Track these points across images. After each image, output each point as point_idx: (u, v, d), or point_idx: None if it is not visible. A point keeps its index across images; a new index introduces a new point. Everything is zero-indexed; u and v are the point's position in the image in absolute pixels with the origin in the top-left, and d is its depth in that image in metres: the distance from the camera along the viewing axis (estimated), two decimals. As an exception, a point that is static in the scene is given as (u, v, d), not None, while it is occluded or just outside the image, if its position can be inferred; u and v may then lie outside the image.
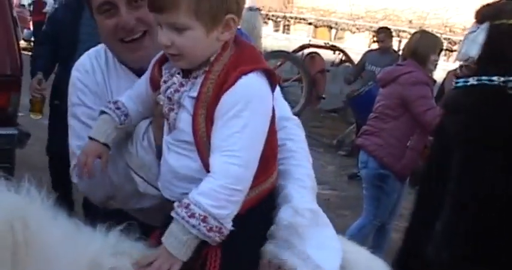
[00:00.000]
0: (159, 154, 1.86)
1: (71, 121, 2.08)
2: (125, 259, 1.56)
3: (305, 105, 12.80)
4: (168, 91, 1.74)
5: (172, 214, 1.62)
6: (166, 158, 1.78)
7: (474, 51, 3.30)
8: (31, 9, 18.89)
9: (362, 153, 5.02)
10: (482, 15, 3.36)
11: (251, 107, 1.66)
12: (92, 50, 2.15)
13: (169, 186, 1.78)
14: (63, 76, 4.60)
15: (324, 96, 12.85)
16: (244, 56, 1.74)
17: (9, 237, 1.31)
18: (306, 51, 13.50)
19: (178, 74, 1.74)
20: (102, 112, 1.90)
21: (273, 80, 1.76)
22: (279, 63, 13.24)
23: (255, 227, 1.78)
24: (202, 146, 1.69)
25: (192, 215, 1.59)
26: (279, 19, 20.55)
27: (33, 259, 1.35)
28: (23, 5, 21.34)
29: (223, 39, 1.70)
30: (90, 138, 1.87)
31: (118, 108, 1.88)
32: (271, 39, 17.38)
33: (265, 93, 1.73)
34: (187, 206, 1.60)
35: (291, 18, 20.35)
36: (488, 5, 3.43)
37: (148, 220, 1.92)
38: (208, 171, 1.67)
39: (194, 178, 1.70)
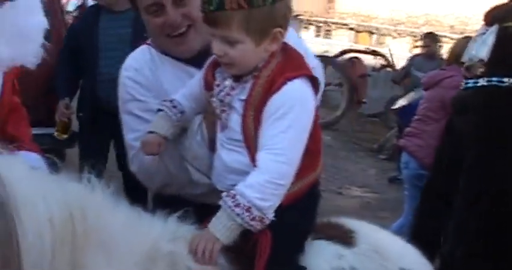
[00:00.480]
0: (210, 147, 2.01)
1: (124, 117, 2.24)
2: (182, 244, 1.70)
3: (346, 109, 12.87)
4: (221, 94, 1.89)
5: (220, 202, 1.76)
6: (220, 154, 1.93)
7: (484, 53, 3.37)
8: (76, 14, 19.27)
9: (404, 154, 5.12)
10: (491, 18, 3.43)
11: (295, 110, 1.80)
12: (135, 52, 2.32)
13: (222, 179, 1.93)
14: (87, 87, 4.87)
15: (364, 100, 12.89)
16: (290, 63, 1.88)
17: (68, 227, 1.42)
18: (347, 56, 13.58)
19: (230, 78, 1.89)
20: (159, 110, 2.05)
21: (315, 85, 1.90)
22: (320, 68, 13.33)
23: (302, 215, 1.92)
24: (251, 144, 1.84)
25: (238, 205, 1.73)
26: (320, 24, 20.59)
27: (92, 248, 1.46)
28: (68, 11, 21.76)
29: (271, 50, 1.85)
30: (150, 132, 2.02)
31: (174, 107, 2.04)
32: (312, 44, 17.45)
33: (307, 97, 1.87)
34: (233, 196, 1.74)
35: (332, 23, 20.38)
36: (497, 7, 3.49)
37: (201, 201, 2.09)
38: (255, 166, 1.81)
39: (243, 171, 1.84)
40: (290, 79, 1.82)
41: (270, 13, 1.80)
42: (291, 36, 2.00)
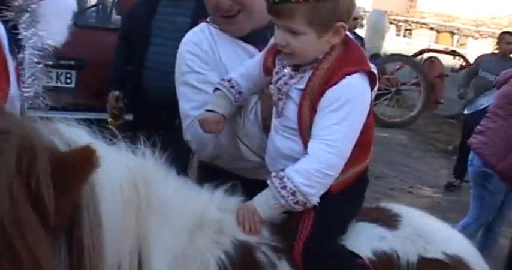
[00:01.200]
0: (263, 127, 2.12)
1: (182, 88, 2.37)
2: (228, 214, 1.82)
3: (422, 109, 12.73)
4: (279, 82, 1.96)
5: (268, 181, 1.86)
6: (274, 139, 2.02)
7: None
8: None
9: (471, 151, 5.08)
10: None
11: (350, 104, 1.87)
12: (195, 28, 2.46)
13: (274, 162, 2.02)
14: (133, 74, 4.65)
15: (441, 101, 12.70)
16: (350, 57, 1.94)
17: (134, 194, 1.54)
18: (426, 55, 13.41)
19: (289, 66, 1.96)
20: (217, 89, 2.16)
21: (373, 81, 1.96)
22: (397, 66, 13.22)
23: (348, 201, 1.98)
24: (305, 132, 1.92)
25: (284, 187, 1.83)
26: (400, 23, 20.37)
27: (153, 211, 1.59)
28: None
29: (333, 43, 1.91)
30: (208, 110, 2.13)
31: (232, 87, 2.14)
32: (392, 42, 17.30)
33: (364, 93, 1.93)
34: (281, 178, 1.84)
35: (413, 22, 20.13)
36: None
37: (247, 176, 2.21)
38: (306, 153, 1.89)
39: (295, 158, 1.93)
40: (349, 74, 1.88)
41: (334, 7, 1.85)
42: None
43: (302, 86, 1.92)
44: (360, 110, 1.91)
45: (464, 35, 18.27)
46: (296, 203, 1.83)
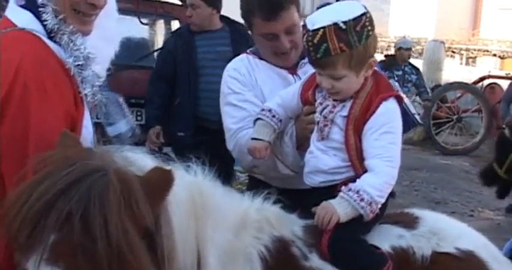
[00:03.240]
0: (296, 146, 2.52)
1: (225, 108, 2.83)
2: (265, 215, 2.21)
3: (485, 136, 12.77)
4: (324, 111, 2.36)
5: (342, 194, 2.20)
6: (316, 156, 2.38)
7: None
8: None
9: None
10: None
11: (396, 125, 2.28)
12: (235, 58, 2.94)
13: (312, 176, 2.41)
14: (186, 106, 4.97)
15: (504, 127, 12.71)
16: (381, 85, 2.35)
17: (192, 205, 1.96)
18: (486, 82, 13.48)
19: (330, 97, 2.37)
20: (259, 119, 2.56)
21: (400, 102, 2.36)
22: (458, 94, 13.35)
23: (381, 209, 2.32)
24: (351, 151, 2.30)
25: (362, 200, 2.18)
26: (462, 52, 20.40)
27: (207, 213, 2.00)
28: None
29: (367, 76, 2.32)
30: (254, 138, 2.53)
31: (274, 116, 2.54)
32: (453, 71, 17.39)
33: (399, 113, 2.34)
34: (357, 192, 2.19)
35: (475, 50, 20.13)
36: None
37: (279, 185, 2.63)
38: (352, 167, 2.29)
39: (333, 172, 2.32)
40: (385, 99, 2.29)
41: (365, 49, 2.25)
42: None
43: (345, 113, 2.31)
44: (400, 127, 2.32)
45: (528, 60, 18.18)
46: (371, 211, 2.20)
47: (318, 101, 2.41)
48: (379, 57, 11.41)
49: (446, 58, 19.79)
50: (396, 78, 8.89)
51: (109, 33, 2.32)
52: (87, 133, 2.15)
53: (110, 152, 1.84)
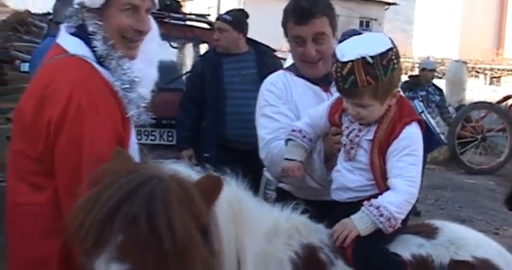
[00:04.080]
0: (324, 162, 2.71)
1: (260, 119, 3.02)
2: (295, 224, 2.40)
3: (510, 155, 12.82)
4: (350, 135, 2.54)
5: (363, 209, 2.37)
6: (344, 175, 2.55)
7: None
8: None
9: None
10: None
11: (417, 148, 2.46)
12: (274, 74, 3.15)
13: (340, 192, 2.58)
14: (213, 128, 5.13)
15: (529, 145, 12.74)
16: (404, 110, 2.52)
17: (231, 210, 2.15)
18: (511, 101, 13.56)
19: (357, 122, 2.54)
20: (290, 139, 2.73)
21: (422, 126, 2.53)
22: (483, 114, 13.42)
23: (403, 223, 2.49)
24: (376, 171, 2.48)
25: (381, 215, 2.36)
26: (486, 71, 20.46)
27: (243, 220, 2.19)
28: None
29: (391, 104, 2.50)
30: (288, 159, 2.70)
31: (304, 137, 2.71)
32: (478, 91, 17.46)
33: (420, 136, 2.51)
34: (377, 208, 2.37)
35: (499, 69, 20.17)
36: None
37: (306, 196, 2.80)
38: (377, 186, 2.47)
39: (359, 190, 2.50)
40: (408, 123, 2.47)
41: (390, 81, 2.41)
42: None
43: (370, 137, 2.49)
44: (421, 150, 2.49)
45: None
46: (390, 226, 2.37)
47: (345, 125, 2.58)
48: (403, 78, 11.59)
49: (470, 78, 19.90)
50: (420, 99, 9.02)
51: (152, 57, 2.51)
52: (133, 151, 2.33)
53: (159, 163, 2.04)
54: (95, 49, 2.31)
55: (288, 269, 2.27)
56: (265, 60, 5.12)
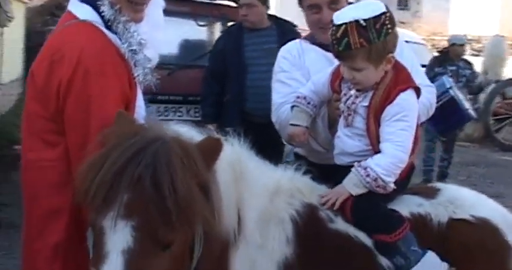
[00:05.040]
0: (328, 127, 2.83)
1: (274, 84, 3.17)
2: (296, 184, 2.52)
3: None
4: (347, 102, 2.63)
5: (353, 170, 2.50)
6: (343, 141, 2.66)
7: None
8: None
9: None
10: None
11: (409, 114, 2.52)
12: (290, 42, 3.28)
13: (342, 157, 2.69)
14: (235, 102, 5.23)
15: None
16: (400, 77, 2.60)
17: (232, 171, 2.28)
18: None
19: (353, 89, 2.62)
20: (295, 106, 2.84)
21: (418, 94, 2.61)
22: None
23: (401, 184, 2.61)
24: (372, 136, 2.57)
25: (368, 175, 2.47)
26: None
27: (244, 180, 2.32)
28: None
29: (386, 69, 2.57)
30: (293, 124, 2.82)
31: (309, 103, 2.81)
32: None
33: (416, 104, 2.59)
34: (365, 168, 2.48)
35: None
36: None
37: (312, 159, 2.96)
38: (374, 151, 2.55)
39: (359, 155, 2.59)
40: (402, 90, 2.54)
41: (384, 45, 2.49)
42: (407, 56, 2.84)
43: (366, 104, 2.57)
44: (414, 117, 2.57)
45: None
46: (377, 186, 2.47)
47: (343, 92, 2.68)
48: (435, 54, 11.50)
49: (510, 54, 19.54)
50: (450, 74, 8.99)
51: (157, 20, 2.62)
52: (140, 111, 2.48)
53: (161, 125, 2.17)
54: (103, 14, 2.44)
55: (288, 227, 2.40)
56: (286, 34, 5.17)
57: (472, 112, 8.30)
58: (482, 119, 12.51)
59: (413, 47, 17.52)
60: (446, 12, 34.97)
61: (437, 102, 8.88)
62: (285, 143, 3.31)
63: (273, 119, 3.12)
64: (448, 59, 9.36)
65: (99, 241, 1.89)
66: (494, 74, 13.41)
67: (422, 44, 18.14)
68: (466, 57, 10.09)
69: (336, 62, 2.96)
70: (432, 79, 8.94)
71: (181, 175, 1.89)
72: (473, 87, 9.52)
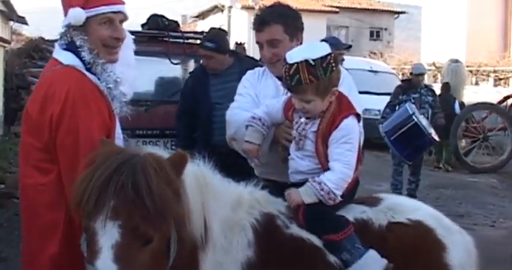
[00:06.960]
0: (270, 147, 3.28)
1: (235, 97, 3.71)
2: (255, 197, 2.93)
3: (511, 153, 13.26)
4: (299, 129, 3.05)
5: (308, 183, 2.89)
6: (296, 162, 3.07)
7: None
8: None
9: None
10: None
11: (353, 136, 2.94)
12: (256, 68, 3.82)
13: (294, 175, 3.10)
14: (204, 135, 5.62)
15: (530, 143, 13.12)
16: (343, 105, 3.02)
17: (198, 183, 2.66)
18: (510, 101, 13.99)
19: (304, 117, 3.05)
20: (250, 125, 3.24)
21: (358, 118, 3.04)
22: (484, 114, 13.84)
23: (348, 196, 3.05)
24: (321, 157, 2.98)
25: (322, 189, 2.87)
26: (490, 74, 20.79)
27: (209, 192, 2.71)
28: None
29: (331, 101, 2.99)
30: (247, 141, 3.23)
31: (263, 124, 3.23)
32: (482, 93, 17.83)
33: (357, 128, 3.00)
34: (319, 183, 2.87)
35: (503, 71, 20.50)
36: None
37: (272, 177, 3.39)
38: (323, 168, 2.95)
39: (309, 173, 3.00)
40: (345, 117, 2.96)
41: (329, 80, 2.87)
42: (346, 84, 3.29)
43: (315, 129, 2.97)
44: (356, 139, 2.98)
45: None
46: (329, 199, 2.88)
47: (295, 121, 3.09)
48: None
49: (481, 82, 20.21)
50: (413, 101, 9.50)
51: (129, 60, 3.07)
52: (118, 139, 2.92)
53: (138, 147, 2.61)
54: (83, 59, 2.88)
55: (249, 233, 2.79)
56: (247, 69, 5.60)
57: (435, 136, 8.74)
58: (451, 144, 13.02)
59: (383, 76, 18.22)
60: (418, 41, 35.90)
61: (402, 127, 9.40)
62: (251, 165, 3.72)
63: (226, 117, 3.64)
64: (412, 86, 9.91)
65: (92, 241, 2.29)
66: (457, 96, 13.91)
67: (392, 73, 18.87)
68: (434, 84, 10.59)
69: (282, 90, 3.42)
70: (397, 106, 9.51)
71: (156, 180, 2.31)
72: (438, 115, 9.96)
